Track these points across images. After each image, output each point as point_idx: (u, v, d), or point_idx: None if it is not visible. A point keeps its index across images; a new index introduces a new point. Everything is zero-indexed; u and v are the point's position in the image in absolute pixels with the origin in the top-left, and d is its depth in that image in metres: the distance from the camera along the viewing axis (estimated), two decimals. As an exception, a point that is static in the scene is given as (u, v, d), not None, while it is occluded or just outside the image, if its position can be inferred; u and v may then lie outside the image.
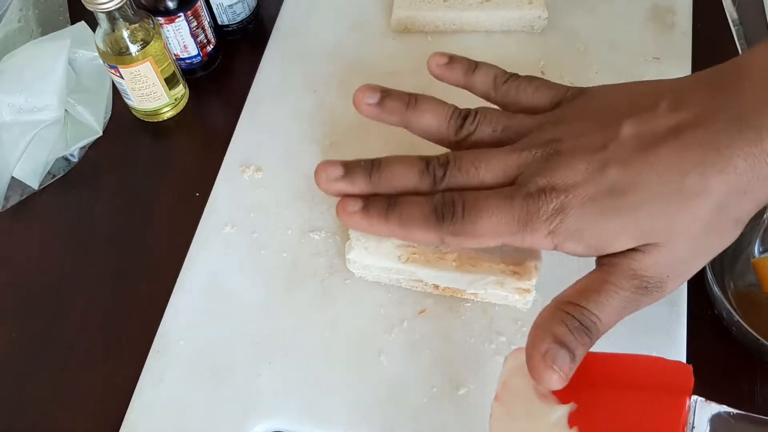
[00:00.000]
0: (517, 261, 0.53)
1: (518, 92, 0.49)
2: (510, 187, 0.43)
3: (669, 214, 0.40)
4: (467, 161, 0.45)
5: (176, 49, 0.71)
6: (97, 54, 0.67)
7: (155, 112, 0.71)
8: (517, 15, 0.72)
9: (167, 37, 0.69)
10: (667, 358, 0.43)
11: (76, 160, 0.71)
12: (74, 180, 0.70)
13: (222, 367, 0.57)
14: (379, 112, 0.50)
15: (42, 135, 0.67)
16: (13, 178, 0.68)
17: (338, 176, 0.46)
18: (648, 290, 0.41)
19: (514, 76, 0.50)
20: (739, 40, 0.58)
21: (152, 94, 0.69)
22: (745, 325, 0.51)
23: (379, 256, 0.56)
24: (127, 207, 0.68)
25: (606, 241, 0.41)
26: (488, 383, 0.54)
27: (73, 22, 0.76)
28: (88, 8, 0.61)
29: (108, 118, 0.72)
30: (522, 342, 0.56)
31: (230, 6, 0.74)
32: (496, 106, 0.50)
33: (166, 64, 0.68)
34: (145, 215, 0.67)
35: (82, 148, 0.71)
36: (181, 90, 0.72)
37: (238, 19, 0.76)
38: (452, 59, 0.53)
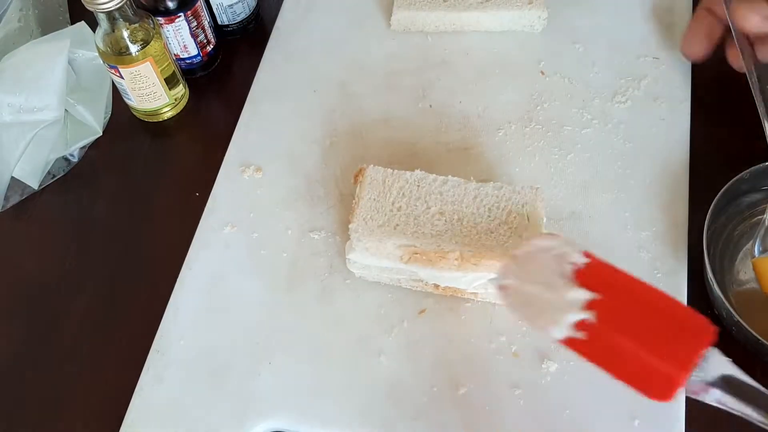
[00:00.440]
0: None
1: None
2: None
3: None
4: None
5: (176, 49, 0.71)
6: (97, 54, 0.67)
7: (155, 112, 0.71)
8: (517, 15, 0.72)
9: (167, 37, 0.69)
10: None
11: (76, 160, 0.71)
12: (74, 180, 0.70)
13: (222, 367, 0.57)
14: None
15: (42, 135, 0.67)
16: (13, 178, 0.68)
17: None
18: None
19: None
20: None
21: (152, 94, 0.69)
22: (745, 325, 0.51)
23: (380, 257, 0.56)
24: (127, 207, 0.68)
25: None
26: (488, 383, 0.54)
27: (73, 22, 0.76)
28: (88, 8, 0.61)
29: (108, 118, 0.72)
30: (522, 342, 0.56)
31: (230, 6, 0.74)
32: None
33: (166, 64, 0.68)
34: (145, 215, 0.67)
35: (82, 148, 0.71)
36: (181, 90, 0.72)
37: (238, 19, 0.76)
38: None
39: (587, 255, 0.41)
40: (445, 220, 0.56)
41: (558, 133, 0.66)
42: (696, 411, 0.51)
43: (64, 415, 0.57)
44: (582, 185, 0.63)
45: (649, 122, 0.66)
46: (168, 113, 0.72)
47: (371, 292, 0.59)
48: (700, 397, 0.40)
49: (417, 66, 0.72)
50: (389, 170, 0.59)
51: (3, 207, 0.68)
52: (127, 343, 0.59)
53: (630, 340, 0.40)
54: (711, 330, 0.39)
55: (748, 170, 0.57)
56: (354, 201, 0.58)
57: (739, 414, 0.40)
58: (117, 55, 0.65)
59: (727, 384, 0.39)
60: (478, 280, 0.55)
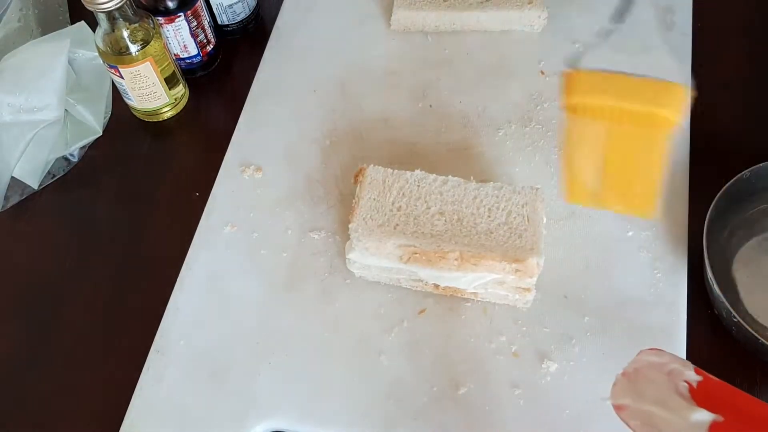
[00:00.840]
0: (518, 258, 0.53)
1: None
2: None
3: None
4: None
5: (176, 49, 0.71)
6: (97, 54, 0.67)
7: (155, 112, 0.71)
8: (516, 15, 0.72)
9: (167, 37, 0.69)
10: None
11: (76, 160, 0.71)
12: (74, 180, 0.70)
13: (222, 367, 0.57)
14: None
15: (42, 135, 0.67)
16: (13, 177, 0.68)
17: None
18: None
19: None
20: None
21: (152, 93, 0.69)
22: (745, 325, 0.51)
23: (380, 257, 0.56)
24: (127, 207, 0.68)
25: None
26: (488, 383, 0.54)
27: (73, 22, 0.76)
28: (88, 8, 0.61)
29: (108, 118, 0.72)
30: (522, 342, 0.56)
31: (230, 6, 0.74)
32: None
33: (166, 63, 0.68)
34: (145, 215, 0.67)
35: (82, 148, 0.71)
36: (181, 90, 0.72)
37: (238, 19, 0.76)
38: None
39: (699, 372, 0.42)
40: (445, 220, 0.56)
41: (558, 133, 0.66)
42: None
43: (64, 415, 0.57)
44: (582, 185, 0.63)
45: (649, 122, 0.66)
46: (168, 113, 0.72)
47: (371, 292, 0.59)
48: None
49: (417, 66, 0.72)
50: (389, 170, 0.59)
51: (3, 207, 0.68)
52: (127, 343, 0.59)
53: None
54: None
55: (748, 170, 0.57)
56: (354, 201, 0.58)
57: None
58: (117, 55, 0.65)
59: None
60: (478, 280, 0.55)
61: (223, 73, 0.76)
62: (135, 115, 0.73)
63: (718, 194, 0.56)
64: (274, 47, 0.75)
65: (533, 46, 0.72)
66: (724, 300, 0.52)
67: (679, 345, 0.54)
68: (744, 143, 0.65)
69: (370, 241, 0.55)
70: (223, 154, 0.68)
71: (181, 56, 0.72)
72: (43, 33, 0.73)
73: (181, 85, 0.72)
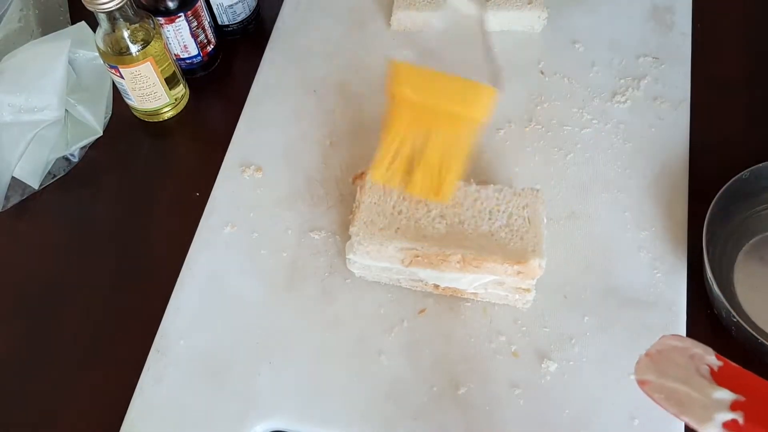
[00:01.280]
0: (520, 260, 0.53)
1: None
2: None
3: None
4: None
5: (176, 49, 0.71)
6: (97, 54, 0.67)
7: (155, 112, 0.71)
8: (516, 15, 0.72)
9: (167, 37, 0.69)
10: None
11: (76, 160, 0.71)
12: (74, 180, 0.70)
13: (222, 367, 0.57)
14: None
15: (42, 135, 0.67)
16: (13, 177, 0.68)
17: None
18: None
19: None
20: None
21: (152, 94, 0.69)
22: (745, 325, 0.51)
23: (381, 260, 0.56)
24: (127, 207, 0.68)
25: None
26: (488, 383, 0.54)
27: (73, 22, 0.76)
28: (89, 8, 0.61)
29: (108, 118, 0.72)
30: (522, 341, 0.56)
31: (230, 6, 0.74)
32: None
33: (166, 64, 0.68)
34: (145, 215, 0.67)
35: (82, 148, 0.71)
36: (181, 90, 0.72)
37: (238, 19, 0.76)
38: None
39: (719, 358, 0.43)
40: (446, 223, 0.56)
41: (558, 133, 0.66)
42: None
43: (64, 415, 0.57)
44: (582, 185, 0.63)
45: (648, 122, 0.66)
46: (168, 113, 0.72)
47: (371, 292, 0.59)
48: None
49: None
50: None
51: (3, 207, 0.68)
52: (127, 343, 0.59)
53: None
54: None
55: (748, 170, 0.57)
56: (354, 204, 0.58)
57: None
58: (117, 55, 0.65)
59: None
60: (478, 281, 0.55)
61: (224, 73, 0.76)
62: (135, 115, 0.73)
63: (718, 194, 0.56)
64: (274, 47, 0.75)
65: (533, 46, 0.72)
66: (724, 300, 0.52)
67: (678, 345, 0.55)
68: (744, 143, 0.65)
69: (372, 245, 0.55)
70: (224, 154, 0.68)
71: (182, 56, 0.72)
72: (44, 33, 0.73)
73: (181, 85, 0.72)
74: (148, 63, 0.66)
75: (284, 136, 0.69)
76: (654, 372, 0.43)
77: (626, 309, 0.57)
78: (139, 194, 0.68)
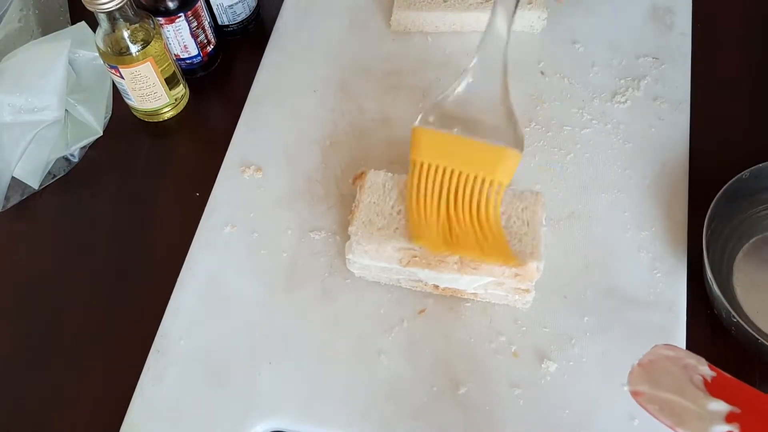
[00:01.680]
0: (518, 263, 0.53)
1: None
2: None
3: None
4: None
5: (176, 49, 0.71)
6: (97, 54, 0.67)
7: (155, 112, 0.71)
8: (517, 15, 0.71)
9: (167, 37, 0.69)
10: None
11: (76, 160, 0.71)
12: (74, 180, 0.70)
13: (222, 367, 0.57)
14: None
15: (42, 135, 0.67)
16: (13, 178, 0.68)
17: None
18: None
19: None
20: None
21: (152, 94, 0.69)
22: (745, 325, 0.51)
23: (379, 260, 0.56)
24: (127, 207, 0.68)
25: None
26: (488, 383, 0.54)
27: (73, 22, 0.76)
28: (89, 8, 0.61)
29: (108, 118, 0.72)
30: (521, 342, 0.56)
31: (230, 6, 0.74)
32: None
33: (166, 64, 0.68)
34: (145, 215, 0.67)
35: (82, 148, 0.71)
36: (181, 90, 0.72)
37: (238, 19, 0.76)
38: None
39: (712, 368, 0.43)
40: None
41: (558, 133, 0.66)
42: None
43: (64, 415, 0.57)
44: (582, 185, 0.63)
45: (648, 122, 0.66)
46: (168, 113, 0.72)
47: (371, 292, 0.59)
48: None
49: (417, 66, 0.72)
50: (389, 174, 0.58)
51: (3, 207, 0.68)
52: (127, 343, 0.59)
53: None
54: None
55: (748, 170, 0.57)
56: (354, 204, 0.58)
57: None
58: (117, 55, 0.65)
59: None
60: (477, 282, 0.55)
61: (224, 73, 0.76)
62: (135, 116, 0.73)
63: (718, 194, 0.56)
64: (274, 47, 0.75)
65: (533, 47, 0.72)
66: (724, 300, 0.52)
67: (678, 345, 0.54)
68: (744, 143, 0.65)
69: (370, 244, 0.55)
70: (224, 155, 0.68)
71: (182, 56, 0.72)
72: (44, 33, 0.73)
73: (181, 85, 0.72)
74: (148, 63, 0.66)
75: (284, 136, 0.69)
76: (647, 382, 0.43)
77: (626, 309, 0.57)
78: (139, 194, 0.68)
